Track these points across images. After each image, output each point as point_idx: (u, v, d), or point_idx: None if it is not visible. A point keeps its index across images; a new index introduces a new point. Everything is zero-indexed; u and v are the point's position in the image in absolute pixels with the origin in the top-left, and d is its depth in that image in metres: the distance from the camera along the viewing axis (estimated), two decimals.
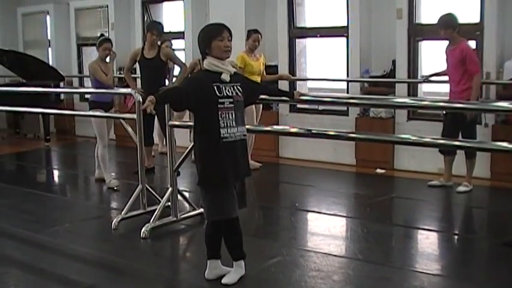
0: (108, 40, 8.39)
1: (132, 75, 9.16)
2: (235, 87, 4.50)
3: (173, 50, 10.35)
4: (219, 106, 4.38)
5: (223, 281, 4.65)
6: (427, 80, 8.43)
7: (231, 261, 4.76)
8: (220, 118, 4.38)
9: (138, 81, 9.22)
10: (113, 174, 8.57)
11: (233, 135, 4.44)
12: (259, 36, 8.91)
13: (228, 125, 4.41)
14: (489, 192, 8.01)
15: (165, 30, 12.09)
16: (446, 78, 7.73)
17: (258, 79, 8.72)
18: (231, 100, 4.44)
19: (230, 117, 4.42)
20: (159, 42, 8.82)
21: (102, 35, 9.24)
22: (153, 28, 8.59)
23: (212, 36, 4.47)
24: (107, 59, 8.23)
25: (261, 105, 8.98)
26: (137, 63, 8.72)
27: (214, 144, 4.41)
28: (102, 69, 8.12)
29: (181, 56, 10.11)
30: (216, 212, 4.58)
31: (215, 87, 4.41)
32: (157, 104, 4.39)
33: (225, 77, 4.47)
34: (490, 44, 8.08)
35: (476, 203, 7.50)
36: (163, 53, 8.56)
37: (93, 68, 8.11)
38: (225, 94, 4.42)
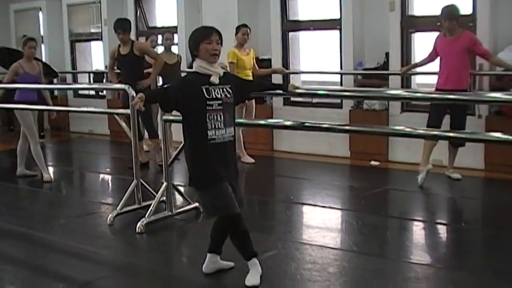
0: (33, 39, 8.67)
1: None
2: (224, 89, 4.50)
3: (160, 44, 10.41)
4: (207, 108, 4.39)
5: (248, 284, 4.54)
6: (405, 73, 8.59)
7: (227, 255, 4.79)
8: (208, 120, 4.38)
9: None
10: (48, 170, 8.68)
11: (221, 136, 4.44)
12: (248, 30, 8.95)
13: (216, 126, 4.41)
14: (483, 183, 8.04)
15: (152, 25, 12.20)
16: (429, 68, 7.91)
17: (250, 73, 8.75)
18: (220, 102, 4.44)
19: (219, 119, 4.42)
20: (144, 39, 8.95)
21: (24, 35, 9.51)
22: (117, 28, 8.72)
23: (201, 39, 4.47)
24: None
25: (254, 100, 9.00)
26: (116, 60, 8.93)
27: (202, 145, 4.43)
28: (25, 68, 8.37)
29: (174, 50, 10.09)
30: (215, 212, 4.59)
31: (204, 90, 4.41)
32: (147, 102, 4.41)
33: (214, 79, 4.47)
34: (482, 35, 8.08)
35: (470, 193, 7.53)
36: (136, 48, 8.67)
37: (11, 69, 8.43)
38: (214, 96, 4.42)
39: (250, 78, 8.72)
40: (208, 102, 4.39)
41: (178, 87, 4.59)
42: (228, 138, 4.50)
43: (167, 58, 9.56)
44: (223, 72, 4.62)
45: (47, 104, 8.63)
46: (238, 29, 8.91)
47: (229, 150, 4.55)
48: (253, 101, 8.98)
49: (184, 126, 4.58)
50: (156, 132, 8.81)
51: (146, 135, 9.93)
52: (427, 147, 7.59)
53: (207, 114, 4.38)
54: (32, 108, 8.21)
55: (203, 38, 4.47)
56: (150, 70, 8.98)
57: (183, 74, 10.14)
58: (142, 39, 10.36)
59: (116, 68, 9.16)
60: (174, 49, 10.28)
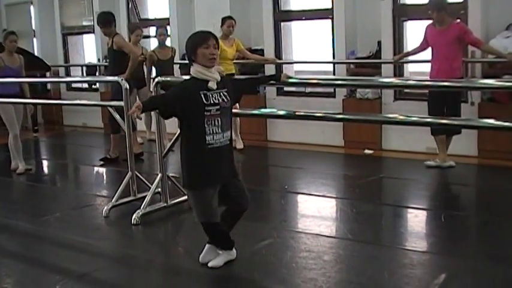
0: (13, 33, 8.75)
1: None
2: (221, 93, 4.51)
3: (148, 37, 10.46)
4: (205, 114, 4.40)
5: (210, 264, 4.72)
6: (397, 62, 8.63)
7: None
8: (206, 125, 4.41)
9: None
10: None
11: (218, 141, 4.47)
12: (233, 22, 9.06)
13: (214, 131, 4.44)
14: (476, 169, 8.08)
15: (150, 17, 12.18)
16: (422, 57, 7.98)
17: (232, 64, 8.88)
18: (218, 107, 4.46)
19: (216, 123, 4.44)
20: (136, 35, 9.64)
21: (5, 29, 9.72)
22: (98, 22, 8.86)
23: (198, 44, 4.48)
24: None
25: None
26: None
27: (200, 150, 4.46)
28: (6, 62, 8.46)
29: (167, 42, 10.09)
30: (200, 215, 4.64)
31: (202, 95, 4.42)
32: (144, 111, 4.47)
33: (212, 85, 4.47)
34: (474, 22, 8.11)
35: (463, 180, 7.55)
36: (114, 42, 8.67)
37: None
38: (211, 102, 4.43)
39: (232, 69, 8.99)
40: (206, 107, 4.41)
41: (176, 93, 4.60)
42: (225, 142, 4.54)
43: (160, 54, 9.62)
44: (220, 77, 4.63)
45: (25, 98, 8.65)
46: (223, 20, 8.98)
47: (226, 153, 4.58)
48: None
49: (182, 131, 4.63)
50: (118, 128, 8.63)
51: (139, 126, 9.97)
52: (439, 142, 7.67)
53: (205, 120, 4.41)
54: (12, 102, 8.24)
55: (200, 43, 4.47)
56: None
57: (176, 67, 10.21)
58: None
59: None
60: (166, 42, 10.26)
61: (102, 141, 10.15)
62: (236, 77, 7.65)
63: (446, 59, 7.46)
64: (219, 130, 4.47)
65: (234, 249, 4.78)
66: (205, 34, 4.56)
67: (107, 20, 8.70)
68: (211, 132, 4.43)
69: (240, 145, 9.35)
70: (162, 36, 9.77)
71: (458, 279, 4.50)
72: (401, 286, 4.41)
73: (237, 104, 8.84)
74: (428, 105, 7.62)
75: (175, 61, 9.95)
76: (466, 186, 7.40)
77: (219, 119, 4.46)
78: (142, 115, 7.18)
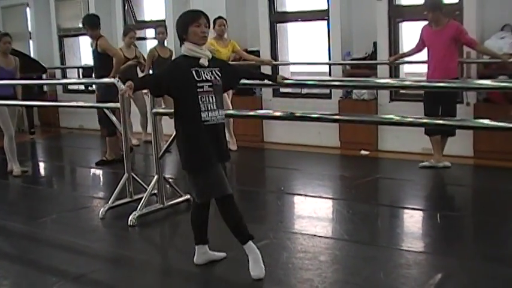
0: (7, 35, 8.77)
1: None
2: (213, 71, 4.55)
3: (144, 38, 10.47)
4: (198, 90, 4.42)
5: (255, 276, 4.51)
6: (393, 63, 8.66)
7: (218, 246, 4.82)
8: (200, 102, 4.42)
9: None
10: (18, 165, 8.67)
11: (214, 118, 4.48)
12: (224, 21, 9.15)
13: (209, 108, 4.45)
14: (472, 170, 8.10)
15: (146, 18, 12.19)
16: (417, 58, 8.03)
17: None
18: (210, 84, 4.48)
19: (210, 100, 4.46)
20: (130, 37, 9.72)
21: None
22: (84, 24, 8.92)
23: (189, 22, 4.51)
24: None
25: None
26: None
27: (197, 127, 4.45)
28: (0, 63, 8.45)
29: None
30: (209, 193, 4.57)
31: (194, 72, 4.45)
32: (136, 90, 4.44)
33: (203, 61, 4.51)
34: (469, 23, 8.12)
35: (459, 181, 7.58)
36: (99, 44, 8.71)
37: None
38: (203, 78, 4.46)
39: None
40: (198, 84, 4.43)
41: (167, 71, 4.65)
42: (220, 120, 4.54)
43: (161, 52, 9.65)
44: (212, 57, 4.66)
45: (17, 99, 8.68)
46: (214, 21, 9.01)
47: (221, 132, 4.59)
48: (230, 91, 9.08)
49: (176, 110, 4.60)
50: (114, 131, 8.65)
51: (134, 128, 9.99)
52: (434, 143, 7.69)
53: (199, 96, 4.42)
54: (7, 104, 8.25)
55: (192, 21, 4.51)
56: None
57: None
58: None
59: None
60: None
61: (98, 143, 10.15)
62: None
63: (442, 59, 7.48)
64: (214, 107, 4.47)
65: (253, 244, 4.62)
66: (196, 13, 4.60)
67: (94, 23, 8.79)
68: (206, 108, 4.44)
69: (233, 146, 9.36)
70: (161, 34, 9.79)
71: (454, 279, 4.51)
72: (397, 286, 4.41)
73: (230, 105, 8.94)
74: (424, 105, 7.64)
75: None
76: (462, 186, 7.42)
77: (213, 96, 4.48)
78: (139, 115, 7.21)
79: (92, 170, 9.00)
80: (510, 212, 6.25)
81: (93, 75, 8.97)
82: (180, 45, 4.62)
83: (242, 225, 4.60)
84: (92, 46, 8.84)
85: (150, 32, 12.27)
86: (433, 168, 7.75)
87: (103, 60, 8.70)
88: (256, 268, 4.53)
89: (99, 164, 8.98)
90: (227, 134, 9.13)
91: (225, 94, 8.52)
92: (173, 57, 9.92)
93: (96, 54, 8.73)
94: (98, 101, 8.42)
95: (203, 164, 4.52)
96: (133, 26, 11.69)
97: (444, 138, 7.77)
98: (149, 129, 7.70)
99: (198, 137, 4.48)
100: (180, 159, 4.65)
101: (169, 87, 4.49)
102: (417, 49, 7.93)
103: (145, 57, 9.88)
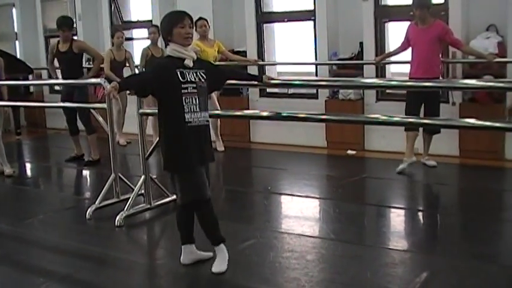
0: None
1: None
2: (198, 73, 4.56)
3: (131, 39, 10.47)
4: (182, 91, 4.44)
5: (214, 270, 4.63)
6: (379, 63, 8.69)
7: (205, 246, 4.83)
8: (184, 103, 4.44)
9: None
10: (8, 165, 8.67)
11: (197, 120, 4.50)
12: (205, 22, 9.19)
13: (192, 110, 4.46)
14: (458, 169, 8.14)
15: (132, 19, 12.19)
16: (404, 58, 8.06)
17: None
18: (194, 85, 4.49)
19: (194, 102, 4.48)
20: (118, 38, 9.81)
21: None
22: (63, 25, 8.81)
23: (173, 24, 4.53)
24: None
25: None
26: (54, 56, 9.12)
27: (179, 128, 4.47)
28: None
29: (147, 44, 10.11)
30: (189, 194, 4.60)
31: (178, 73, 4.46)
32: (120, 90, 4.45)
33: (188, 62, 4.53)
34: (455, 23, 8.16)
35: (445, 180, 7.61)
36: (75, 46, 8.80)
37: None
38: (188, 79, 4.48)
39: None
40: (183, 85, 4.45)
41: (152, 72, 4.70)
42: (203, 122, 4.56)
43: (154, 51, 9.65)
44: (197, 58, 4.67)
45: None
46: (195, 23, 8.98)
47: (204, 134, 4.61)
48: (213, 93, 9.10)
49: (160, 110, 4.62)
50: (92, 129, 8.89)
51: (125, 129, 9.99)
52: (410, 139, 7.70)
53: (183, 97, 4.44)
54: None
55: (176, 23, 4.52)
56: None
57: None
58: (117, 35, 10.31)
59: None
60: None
61: (84, 144, 10.11)
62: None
63: (427, 57, 7.52)
64: (197, 109, 4.49)
65: (224, 246, 4.70)
66: (181, 14, 4.62)
67: (72, 24, 8.99)
68: (189, 110, 4.46)
69: (220, 147, 9.37)
70: (153, 34, 9.78)
71: (440, 278, 4.54)
72: (384, 285, 4.44)
73: (218, 105, 8.96)
74: (406, 104, 7.65)
75: None
76: (448, 185, 7.45)
77: (197, 98, 4.49)
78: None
79: (79, 171, 8.99)
80: (495, 211, 6.29)
81: (63, 77, 9.06)
82: (166, 46, 4.64)
83: (216, 228, 4.69)
84: (59, 48, 8.88)
85: (137, 33, 12.26)
86: (409, 167, 7.75)
87: (77, 60, 8.92)
88: (220, 265, 4.64)
89: (86, 165, 8.97)
90: (213, 136, 9.22)
91: (213, 94, 8.62)
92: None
93: (71, 54, 8.76)
94: (75, 101, 8.51)
95: (184, 166, 4.55)
96: (120, 26, 11.67)
97: (429, 137, 7.81)
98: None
99: (180, 138, 4.50)
100: (162, 160, 4.67)
101: (153, 87, 4.51)
102: (402, 48, 7.95)
103: (133, 59, 9.90)
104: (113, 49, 9.90)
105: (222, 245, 4.69)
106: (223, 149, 9.41)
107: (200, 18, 9.14)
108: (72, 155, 9.45)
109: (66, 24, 8.81)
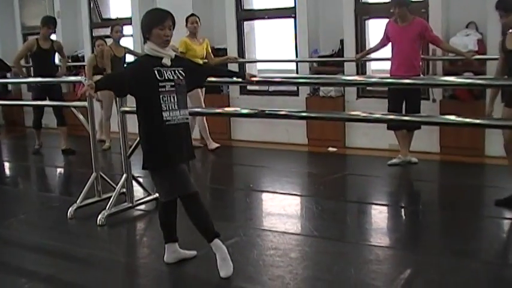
0: None
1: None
2: (176, 71, 4.53)
3: (129, 35, 10.48)
4: (160, 90, 4.41)
5: (222, 275, 4.50)
6: (360, 60, 8.73)
7: (189, 244, 4.82)
8: (162, 101, 4.41)
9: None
10: None
11: (175, 118, 4.47)
12: (197, 18, 9.05)
13: (170, 108, 4.44)
14: (439, 166, 8.20)
15: (112, 16, 12.13)
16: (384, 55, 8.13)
17: (201, 63, 8.82)
18: (172, 84, 4.47)
19: (172, 100, 4.45)
20: (116, 31, 9.76)
21: None
22: (50, 23, 9.33)
23: (154, 24, 4.47)
24: None
25: (204, 88, 9.06)
26: (32, 53, 9.51)
27: (158, 127, 4.45)
28: None
29: (129, 42, 10.06)
30: (171, 192, 4.58)
31: (156, 71, 4.43)
32: (97, 89, 4.44)
33: (166, 61, 4.50)
34: (435, 21, 8.21)
35: (426, 177, 7.66)
36: (56, 44, 9.42)
37: None
38: (166, 78, 4.45)
39: None
40: (160, 83, 4.42)
41: (130, 71, 4.66)
42: (183, 120, 4.53)
43: (116, 51, 9.61)
44: (175, 56, 4.66)
45: None
46: (187, 19, 8.96)
47: (184, 132, 4.58)
48: (204, 89, 9.05)
49: (138, 109, 4.59)
50: (64, 121, 9.48)
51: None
52: (399, 137, 7.76)
53: (161, 96, 4.41)
54: None
55: (156, 23, 4.47)
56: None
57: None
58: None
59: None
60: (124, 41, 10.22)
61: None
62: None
63: (408, 55, 7.55)
64: (175, 107, 4.47)
65: (219, 241, 4.61)
66: (163, 14, 4.54)
67: (55, 23, 9.44)
68: (167, 108, 4.43)
69: (212, 145, 9.35)
70: (118, 33, 9.72)
71: (423, 274, 4.55)
72: (368, 282, 4.45)
73: (203, 103, 8.93)
74: (388, 101, 7.69)
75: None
76: (429, 182, 7.50)
77: (175, 96, 4.47)
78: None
79: (59, 170, 8.95)
80: (476, 207, 6.34)
81: (39, 73, 9.39)
82: (144, 43, 4.60)
83: (208, 223, 4.60)
84: (40, 45, 9.24)
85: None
86: (401, 164, 7.80)
87: (54, 58, 9.46)
88: (225, 266, 4.53)
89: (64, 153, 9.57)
90: (204, 136, 9.22)
91: (199, 92, 8.59)
92: (126, 57, 9.87)
93: (53, 52, 9.31)
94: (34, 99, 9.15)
95: (162, 164, 4.53)
96: (102, 23, 11.64)
97: (410, 133, 7.84)
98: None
99: (158, 137, 4.48)
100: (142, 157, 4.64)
101: (131, 86, 4.47)
102: (381, 44, 7.99)
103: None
104: (111, 45, 9.77)
105: (217, 241, 4.56)
106: (214, 146, 9.38)
107: (192, 15, 9.07)
108: (36, 147, 10.06)
109: (52, 22, 9.24)
